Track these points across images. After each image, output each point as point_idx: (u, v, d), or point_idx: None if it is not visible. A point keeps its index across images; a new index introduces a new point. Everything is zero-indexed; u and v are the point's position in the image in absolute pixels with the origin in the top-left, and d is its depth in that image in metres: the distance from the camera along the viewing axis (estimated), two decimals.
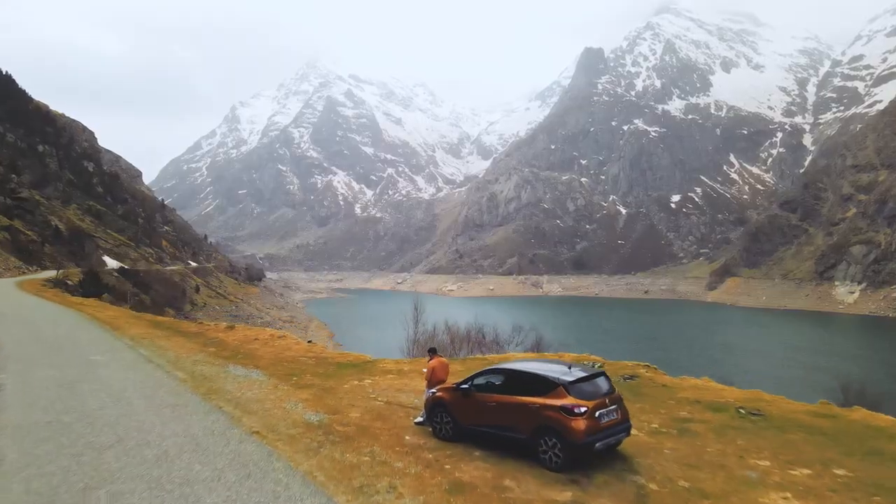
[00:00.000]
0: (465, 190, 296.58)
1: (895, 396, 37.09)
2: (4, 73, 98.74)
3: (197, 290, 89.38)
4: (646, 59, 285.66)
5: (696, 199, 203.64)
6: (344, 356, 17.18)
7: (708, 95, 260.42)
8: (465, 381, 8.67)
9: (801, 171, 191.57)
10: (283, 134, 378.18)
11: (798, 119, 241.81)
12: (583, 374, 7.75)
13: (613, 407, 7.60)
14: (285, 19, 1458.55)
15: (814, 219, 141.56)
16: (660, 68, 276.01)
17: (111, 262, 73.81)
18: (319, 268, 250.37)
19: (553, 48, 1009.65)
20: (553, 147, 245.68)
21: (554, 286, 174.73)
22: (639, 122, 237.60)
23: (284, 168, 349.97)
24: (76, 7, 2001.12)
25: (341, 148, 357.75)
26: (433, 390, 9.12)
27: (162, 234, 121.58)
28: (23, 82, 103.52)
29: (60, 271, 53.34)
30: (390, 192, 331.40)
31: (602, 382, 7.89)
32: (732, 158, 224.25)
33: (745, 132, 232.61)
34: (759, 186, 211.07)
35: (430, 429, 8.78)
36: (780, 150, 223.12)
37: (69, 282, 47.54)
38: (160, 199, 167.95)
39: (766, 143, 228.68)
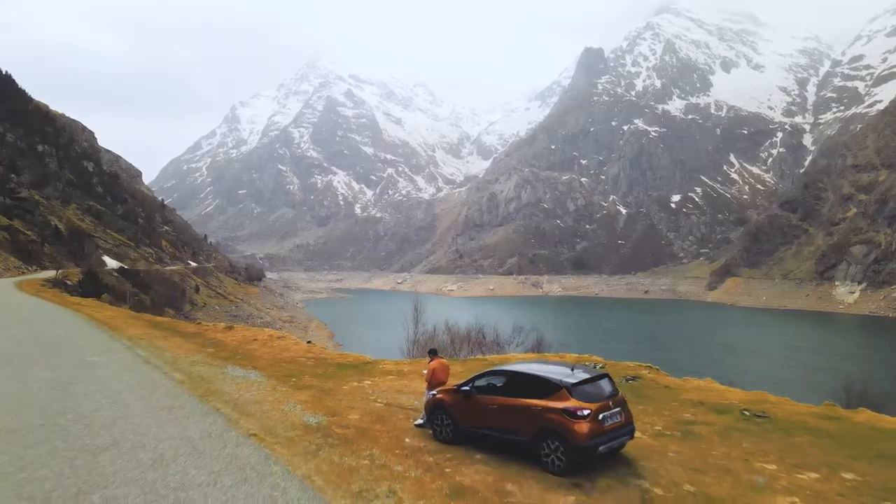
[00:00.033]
0: (465, 190, 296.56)
1: None
2: (4, 73, 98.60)
3: (197, 290, 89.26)
4: (646, 59, 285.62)
5: (697, 199, 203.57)
6: (343, 357, 17.05)
7: (708, 95, 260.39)
8: (465, 383, 8.54)
9: (802, 171, 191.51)
10: (283, 134, 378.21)
11: (798, 119, 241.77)
12: (586, 376, 7.62)
13: (617, 409, 7.47)
14: (285, 19, 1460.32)
15: (814, 219, 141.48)
16: (660, 68, 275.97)
17: (111, 262, 73.67)
18: (319, 268, 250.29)
19: (553, 48, 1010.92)
20: (553, 147, 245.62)
21: (554, 286, 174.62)
22: (639, 122, 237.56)
23: (284, 168, 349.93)
24: (76, 7, 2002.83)
25: (341, 148, 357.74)
26: (433, 392, 8.99)
27: (162, 234, 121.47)
28: (23, 82, 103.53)
29: (60, 271, 53.21)
30: (390, 192, 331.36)
31: (605, 384, 7.76)
32: (732, 158, 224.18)
33: (746, 132, 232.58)
34: (759, 186, 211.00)
35: (431, 431, 8.65)
36: (781, 150, 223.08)
37: (68, 282, 47.39)
38: (160, 199, 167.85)
39: (767, 143, 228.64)
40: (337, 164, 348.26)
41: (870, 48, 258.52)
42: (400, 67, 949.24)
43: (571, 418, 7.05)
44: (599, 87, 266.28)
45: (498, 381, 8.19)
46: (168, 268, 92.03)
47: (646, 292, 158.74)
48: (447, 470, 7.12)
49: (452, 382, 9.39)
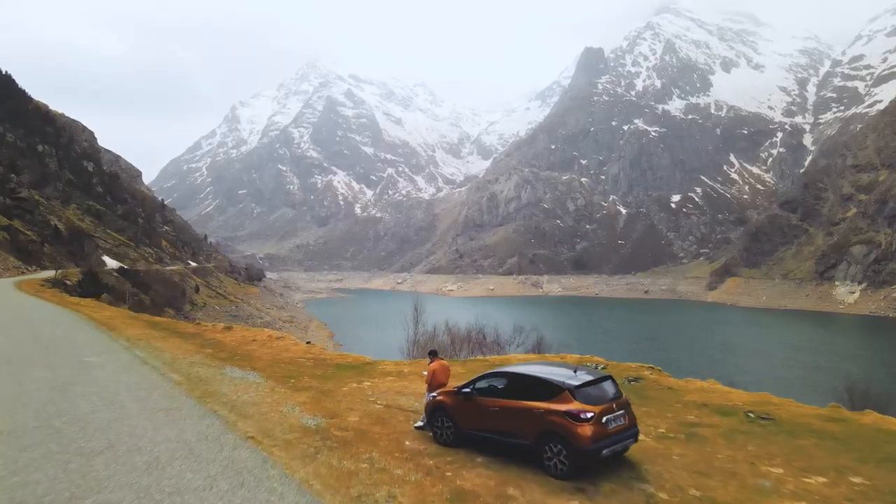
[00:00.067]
0: (465, 190, 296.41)
1: None
2: (4, 73, 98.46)
3: (197, 290, 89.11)
4: (646, 58, 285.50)
5: (697, 199, 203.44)
6: (343, 357, 16.94)
7: (708, 95, 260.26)
8: (466, 385, 8.42)
9: (802, 170, 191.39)
10: (283, 134, 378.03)
11: (798, 119, 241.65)
12: (589, 378, 7.49)
13: (621, 412, 7.34)
14: (285, 19, 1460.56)
15: (814, 219, 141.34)
16: (660, 68, 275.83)
17: (111, 262, 73.52)
18: (319, 268, 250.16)
19: (553, 48, 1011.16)
20: (553, 147, 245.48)
21: (554, 286, 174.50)
22: (639, 122, 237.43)
23: (284, 168, 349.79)
24: (76, 7, 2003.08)
25: (341, 148, 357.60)
26: (434, 394, 8.87)
27: (162, 234, 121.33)
28: (23, 82, 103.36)
29: (59, 271, 53.06)
30: (390, 192, 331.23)
31: (609, 386, 7.64)
32: (732, 158, 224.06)
33: (746, 132, 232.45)
34: (759, 186, 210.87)
35: (431, 433, 8.54)
36: (781, 149, 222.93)
37: (68, 282, 47.26)
38: (160, 199, 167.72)
39: (767, 143, 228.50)
40: (337, 164, 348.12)
41: (870, 48, 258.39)
42: (400, 67, 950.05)
43: (574, 421, 6.93)
44: (599, 87, 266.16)
45: (499, 383, 8.07)
46: (168, 268, 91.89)
47: (646, 292, 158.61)
48: (448, 474, 7.00)
49: (453, 384, 9.28)
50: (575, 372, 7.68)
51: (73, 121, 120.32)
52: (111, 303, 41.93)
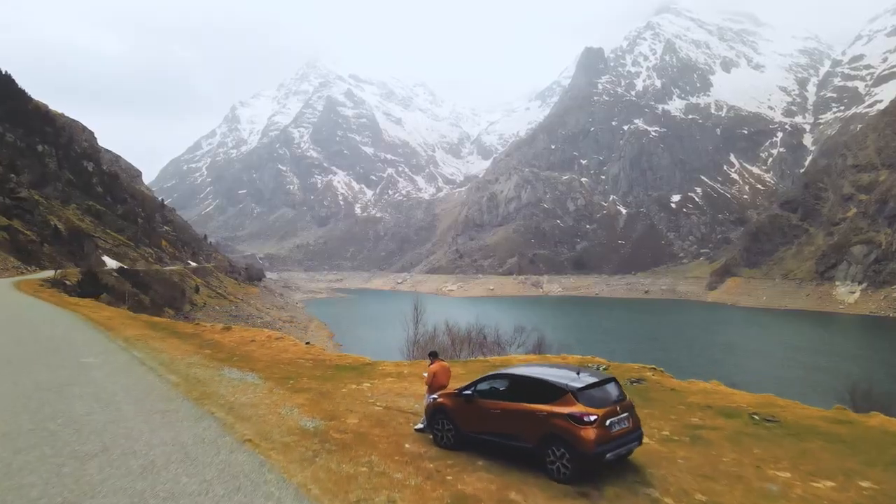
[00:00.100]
0: (465, 190, 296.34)
1: None
2: (4, 73, 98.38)
3: (196, 290, 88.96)
4: (646, 58, 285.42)
5: (697, 199, 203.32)
6: (342, 358, 16.81)
7: (708, 95, 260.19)
8: (467, 387, 8.29)
9: (802, 170, 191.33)
10: (283, 134, 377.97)
11: (798, 119, 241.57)
12: (592, 380, 7.36)
13: (625, 415, 7.21)
14: (285, 19, 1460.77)
15: (814, 219, 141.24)
16: (660, 68, 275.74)
17: (110, 262, 73.41)
18: (319, 268, 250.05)
19: (553, 48, 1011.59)
20: (553, 147, 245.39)
21: (554, 286, 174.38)
22: (639, 122, 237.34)
23: (284, 168, 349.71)
24: (76, 7, 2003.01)
25: (341, 148, 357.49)
26: (434, 396, 8.74)
27: (161, 234, 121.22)
28: (23, 82, 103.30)
29: (58, 271, 52.95)
30: (390, 192, 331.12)
31: (612, 388, 7.50)
32: (733, 158, 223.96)
33: (746, 132, 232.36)
34: (759, 186, 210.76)
35: (431, 436, 8.41)
36: (781, 149, 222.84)
37: (67, 282, 47.17)
38: (160, 199, 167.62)
39: (767, 143, 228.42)
40: (337, 164, 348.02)
41: (870, 48, 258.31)
42: (400, 67, 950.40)
43: (578, 424, 6.79)
44: (599, 86, 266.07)
45: (501, 385, 7.94)
46: (168, 268, 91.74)
47: (646, 292, 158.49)
48: (448, 478, 6.87)
49: (453, 386, 9.15)
50: (578, 374, 7.54)
51: (73, 121, 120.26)
52: (110, 303, 41.83)
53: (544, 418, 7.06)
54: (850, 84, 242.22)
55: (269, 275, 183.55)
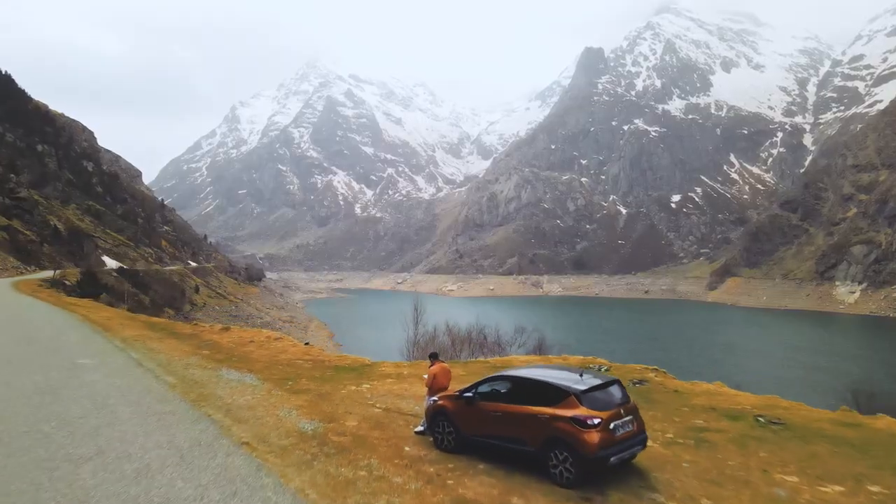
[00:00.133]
0: (465, 190, 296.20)
1: None
2: (4, 72, 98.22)
3: (196, 290, 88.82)
4: (646, 58, 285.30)
5: (697, 199, 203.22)
6: (342, 359, 16.68)
7: (708, 95, 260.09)
8: (468, 389, 8.15)
9: (802, 170, 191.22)
10: (283, 134, 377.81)
11: (798, 119, 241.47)
12: (596, 382, 7.22)
13: (629, 418, 7.07)
14: (285, 19, 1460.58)
15: (814, 219, 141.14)
16: (660, 68, 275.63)
17: (110, 262, 73.24)
18: (319, 268, 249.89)
19: (553, 48, 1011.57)
20: (553, 147, 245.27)
21: (554, 286, 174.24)
22: (639, 122, 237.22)
23: (284, 168, 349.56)
24: (76, 7, 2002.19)
25: (341, 148, 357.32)
26: (435, 398, 8.61)
27: (161, 234, 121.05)
28: (23, 82, 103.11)
29: (57, 271, 52.77)
30: (390, 192, 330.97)
31: (616, 391, 7.36)
32: (733, 158, 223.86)
33: (746, 132, 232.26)
34: (759, 186, 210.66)
35: (431, 439, 8.27)
36: (781, 149, 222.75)
37: (67, 282, 47.02)
38: (160, 198, 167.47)
39: (767, 143, 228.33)
40: (337, 164, 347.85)
41: (870, 48, 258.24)
42: (400, 67, 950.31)
43: (581, 427, 6.66)
44: (599, 86, 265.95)
45: (502, 387, 7.81)
46: (168, 268, 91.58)
47: (646, 292, 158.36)
48: (449, 482, 6.73)
49: (454, 387, 9.02)
50: (581, 376, 7.41)
51: (73, 121, 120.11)
52: (110, 303, 41.70)
53: (547, 421, 6.92)
54: (850, 84, 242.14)
55: (269, 275, 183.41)
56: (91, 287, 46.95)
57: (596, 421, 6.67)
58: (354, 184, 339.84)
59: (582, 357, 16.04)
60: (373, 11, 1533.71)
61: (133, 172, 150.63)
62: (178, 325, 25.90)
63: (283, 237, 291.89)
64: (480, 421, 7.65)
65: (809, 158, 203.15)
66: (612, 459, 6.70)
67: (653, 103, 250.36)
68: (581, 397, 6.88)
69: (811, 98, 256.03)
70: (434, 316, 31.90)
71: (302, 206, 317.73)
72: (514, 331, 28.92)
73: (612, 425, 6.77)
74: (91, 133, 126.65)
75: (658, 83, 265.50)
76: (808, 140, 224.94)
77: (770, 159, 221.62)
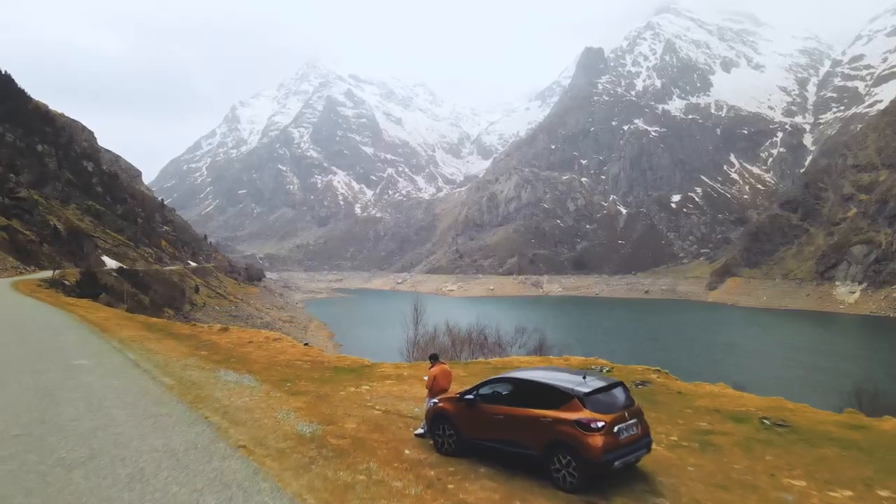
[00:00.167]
0: (465, 190, 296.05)
1: None
2: (4, 72, 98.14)
3: (196, 290, 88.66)
4: (646, 58, 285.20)
5: (697, 199, 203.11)
6: (341, 360, 16.55)
7: (708, 95, 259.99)
8: (469, 391, 8.02)
9: (802, 170, 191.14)
10: (283, 134, 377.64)
11: (798, 119, 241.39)
12: (600, 385, 7.08)
13: (633, 421, 6.93)
14: (285, 19, 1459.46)
15: (814, 219, 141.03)
16: (660, 68, 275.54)
17: (110, 262, 73.10)
18: (319, 268, 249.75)
19: (553, 48, 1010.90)
20: (553, 147, 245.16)
21: (554, 286, 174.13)
22: (639, 122, 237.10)
23: (284, 168, 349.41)
24: (76, 7, 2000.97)
25: (341, 148, 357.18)
26: (435, 400, 8.47)
27: (161, 234, 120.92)
28: (22, 82, 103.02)
29: (56, 271, 52.66)
30: (390, 192, 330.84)
31: (620, 393, 7.22)
32: (733, 158, 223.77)
33: (746, 132, 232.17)
34: (759, 186, 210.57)
35: (431, 442, 8.14)
36: (781, 149, 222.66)
37: (66, 282, 46.91)
38: (160, 198, 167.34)
39: (767, 143, 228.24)
40: (337, 164, 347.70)
41: (870, 48, 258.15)
42: (400, 67, 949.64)
43: (585, 431, 6.52)
44: (599, 86, 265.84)
45: (504, 389, 7.67)
46: (167, 268, 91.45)
47: (646, 292, 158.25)
48: (450, 486, 6.60)
49: (455, 388, 8.88)
50: (584, 378, 7.27)
51: (73, 120, 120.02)
52: (109, 303, 41.54)
53: (549, 424, 6.79)
54: (850, 84, 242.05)
55: (269, 275, 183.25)
56: (90, 287, 46.78)
57: (600, 424, 6.53)
58: (354, 184, 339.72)
59: (583, 358, 15.90)
60: (373, 11, 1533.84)
61: (133, 172, 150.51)
62: (177, 325, 25.77)
63: (283, 237, 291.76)
64: (482, 424, 7.52)
65: (809, 158, 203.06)
66: (616, 464, 6.56)
67: (653, 103, 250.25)
68: (584, 400, 6.74)
69: (811, 98, 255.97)
70: (434, 316, 31.77)
71: (302, 206, 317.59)
72: (515, 331, 28.78)
73: (616, 429, 6.64)
74: (91, 133, 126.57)
75: (658, 83, 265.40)
76: (808, 140, 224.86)
77: (770, 159, 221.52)
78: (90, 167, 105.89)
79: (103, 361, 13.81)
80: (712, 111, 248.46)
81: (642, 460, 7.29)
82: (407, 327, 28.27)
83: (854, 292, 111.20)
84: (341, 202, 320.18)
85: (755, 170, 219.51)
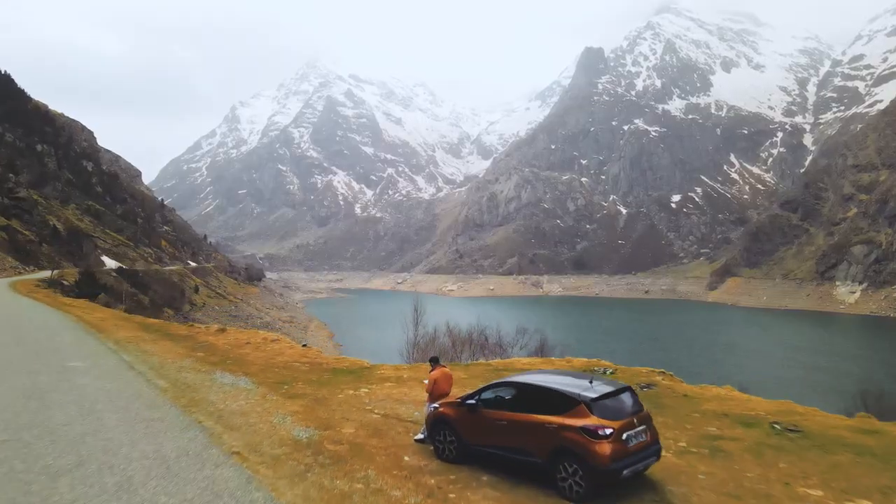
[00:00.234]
0: (465, 190, 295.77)
1: None
2: (4, 72, 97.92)
3: (196, 290, 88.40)
4: (646, 58, 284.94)
5: (697, 199, 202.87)
6: (340, 361, 16.29)
7: (708, 95, 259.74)
8: (471, 395, 7.75)
9: (802, 170, 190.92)
10: (283, 134, 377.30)
11: (798, 119, 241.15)
12: (607, 389, 6.81)
13: (642, 427, 6.66)
14: (285, 19, 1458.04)
15: (814, 219, 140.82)
16: (660, 68, 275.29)
17: (110, 262, 72.84)
18: (319, 268, 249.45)
19: (553, 48, 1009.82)
20: (553, 147, 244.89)
21: (554, 286, 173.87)
22: (639, 122, 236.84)
23: (284, 168, 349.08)
24: (76, 7, 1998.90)
25: (341, 148, 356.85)
26: (435, 405, 8.21)
27: (161, 234, 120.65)
28: (22, 82, 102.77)
29: (55, 271, 52.40)
30: (390, 192, 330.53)
31: (627, 398, 6.95)
32: (733, 158, 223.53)
33: (746, 132, 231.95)
34: (759, 186, 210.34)
35: (432, 448, 7.88)
36: (781, 149, 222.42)
37: (65, 282, 46.66)
38: (160, 198, 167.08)
39: (767, 143, 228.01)
40: (337, 164, 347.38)
41: (870, 48, 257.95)
42: (400, 67, 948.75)
43: (592, 438, 6.25)
44: (599, 86, 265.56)
45: (507, 394, 7.40)
46: (167, 268, 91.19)
47: (646, 292, 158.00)
48: (451, 495, 6.34)
49: (455, 391, 8.62)
50: (590, 382, 7.00)
51: (73, 120, 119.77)
52: (108, 303, 41.29)
53: (555, 431, 6.52)
54: (850, 84, 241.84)
55: (269, 275, 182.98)
56: (90, 287, 46.50)
57: (608, 431, 6.27)
58: (354, 184, 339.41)
59: (586, 359, 15.64)
60: (373, 11, 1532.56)
61: (133, 172, 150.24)
62: (174, 326, 25.50)
63: (283, 237, 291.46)
64: (484, 430, 7.26)
65: (809, 158, 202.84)
66: (624, 472, 6.30)
67: (653, 103, 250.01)
68: (591, 406, 6.48)
69: (811, 98, 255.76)
70: (434, 316, 31.49)
71: (302, 206, 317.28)
72: (516, 332, 28.50)
73: (624, 436, 6.38)
74: (91, 133, 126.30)
75: (658, 83, 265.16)
76: (808, 140, 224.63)
77: (770, 159, 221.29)
78: (90, 167, 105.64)
79: (98, 363, 13.56)
80: (712, 111, 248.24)
81: (651, 468, 7.02)
82: (407, 328, 27.99)
83: (854, 292, 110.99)
84: (341, 202, 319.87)
85: (755, 170, 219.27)
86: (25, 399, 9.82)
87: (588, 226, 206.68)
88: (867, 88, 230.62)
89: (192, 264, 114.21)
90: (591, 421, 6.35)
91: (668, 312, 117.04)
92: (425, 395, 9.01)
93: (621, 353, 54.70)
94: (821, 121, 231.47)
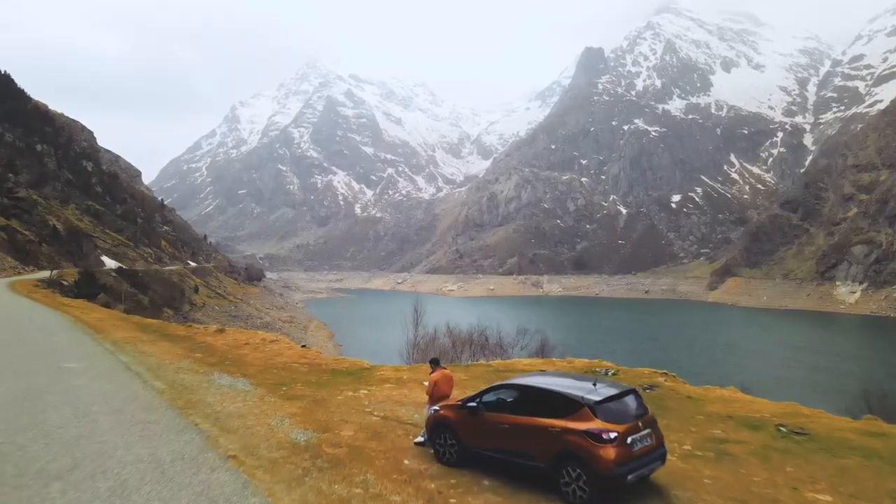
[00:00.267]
0: (465, 190, 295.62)
1: None
2: (4, 72, 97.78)
3: (196, 290, 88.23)
4: (646, 58, 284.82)
5: (697, 199, 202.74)
6: (339, 362, 16.15)
7: (708, 95, 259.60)
8: (472, 398, 7.61)
9: (802, 170, 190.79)
10: (283, 134, 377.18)
11: (798, 119, 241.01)
12: (611, 392, 6.67)
13: (647, 431, 6.53)
14: (285, 19, 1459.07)
15: (815, 219, 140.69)
16: (660, 68, 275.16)
17: (109, 262, 72.69)
18: (319, 268, 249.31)
19: (553, 48, 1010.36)
20: (553, 147, 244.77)
21: (554, 286, 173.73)
22: (639, 122, 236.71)
23: (284, 168, 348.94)
24: (76, 7, 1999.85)
25: (341, 148, 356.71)
26: (436, 407, 8.07)
27: (161, 234, 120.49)
28: (22, 82, 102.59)
29: (54, 271, 52.26)
30: (390, 192, 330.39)
31: (632, 401, 6.80)
32: (733, 158, 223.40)
33: (746, 132, 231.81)
34: (759, 186, 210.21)
35: (432, 451, 7.74)
36: (781, 149, 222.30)
37: (64, 282, 46.52)
38: (160, 198, 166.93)
39: (767, 143, 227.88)
40: (337, 164, 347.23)
41: (870, 48, 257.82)
42: (400, 67, 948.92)
43: (596, 442, 6.12)
44: (600, 86, 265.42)
45: (509, 396, 7.26)
46: (167, 268, 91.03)
47: (646, 292, 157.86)
48: (452, 500, 6.21)
49: (456, 392, 8.48)
50: (594, 385, 6.86)
51: (73, 120, 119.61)
52: (107, 304, 41.14)
53: (558, 435, 6.38)
54: (850, 84, 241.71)
55: (269, 275, 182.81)
56: (89, 287, 46.34)
57: (612, 435, 6.13)
58: (354, 184, 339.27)
59: (588, 360, 15.50)
60: (373, 11, 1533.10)
61: (133, 172, 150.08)
62: (172, 326, 25.36)
63: (283, 237, 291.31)
64: (485, 433, 7.12)
65: (810, 158, 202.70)
66: (629, 477, 6.16)
67: (653, 103, 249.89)
68: (595, 409, 6.34)
69: (811, 98, 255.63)
70: (434, 316, 31.34)
71: (302, 206, 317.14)
72: (516, 332, 28.34)
73: (629, 439, 6.24)
74: (90, 133, 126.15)
75: (658, 83, 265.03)
76: (808, 140, 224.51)
77: (770, 159, 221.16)
78: (90, 167, 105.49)
79: (94, 364, 13.42)
80: (712, 111, 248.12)
81: (656, 472, 6.89)
82: (407, 328, 27.83)
83: (854, 292, 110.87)
84: (341, 202, 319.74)
85: (755, 170, 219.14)
86: (21, 400, 9.71)
87: (588, 226, 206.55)
88: (867, 88, 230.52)
89: (192, 264, 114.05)
90: (595, 424, 6.21)
91: (668, 312, 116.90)
92: (425, 397, 8.88)
93: (621, 353, 54.58)
94: (821, 121, 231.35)
